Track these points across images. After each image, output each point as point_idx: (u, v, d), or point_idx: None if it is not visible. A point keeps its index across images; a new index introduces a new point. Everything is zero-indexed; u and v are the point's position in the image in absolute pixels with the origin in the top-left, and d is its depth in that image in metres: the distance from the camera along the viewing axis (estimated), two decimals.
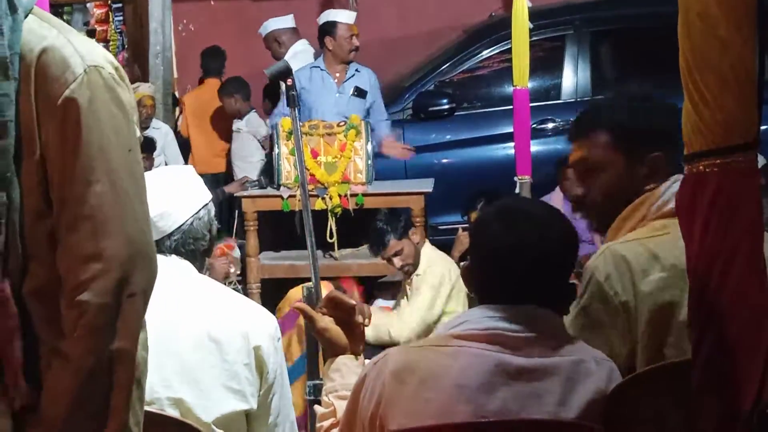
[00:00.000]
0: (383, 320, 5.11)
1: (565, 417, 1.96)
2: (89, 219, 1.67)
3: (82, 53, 1.70)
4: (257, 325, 2.59)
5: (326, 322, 2.32)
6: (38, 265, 1.71)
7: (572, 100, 7.47)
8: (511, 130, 6.05)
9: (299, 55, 7.00)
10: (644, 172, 2.45)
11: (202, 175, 2.85)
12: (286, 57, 7.03)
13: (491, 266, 2.08)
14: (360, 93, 6.61)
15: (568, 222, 2.13)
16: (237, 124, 7.94)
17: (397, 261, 5.26)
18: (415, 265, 5.24)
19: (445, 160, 7.41)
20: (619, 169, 2.48)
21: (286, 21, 7.34)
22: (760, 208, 1.86)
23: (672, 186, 2.39)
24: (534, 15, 5.73)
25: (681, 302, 2.20)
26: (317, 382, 2.58)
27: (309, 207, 2.82)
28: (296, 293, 3.76)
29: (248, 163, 7.75)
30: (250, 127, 7.83)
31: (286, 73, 2.81)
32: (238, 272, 5.61)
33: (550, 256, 2.05)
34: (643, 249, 2.31)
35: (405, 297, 5.36)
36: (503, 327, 2.01)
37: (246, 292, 5.86)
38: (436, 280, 5.14)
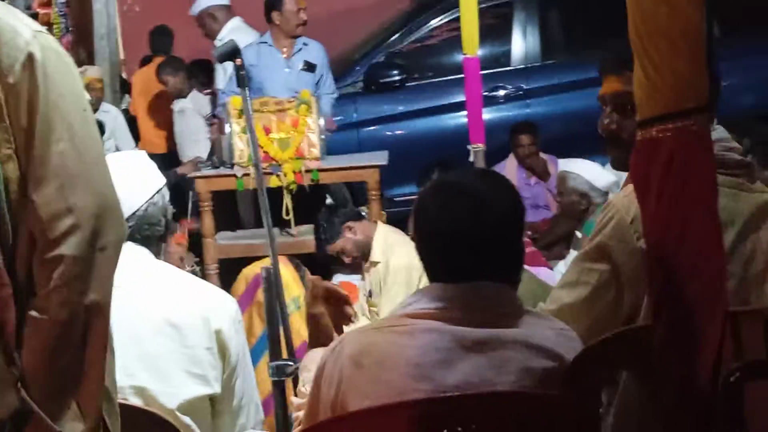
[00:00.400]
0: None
1: (526, 387, 1.95)
2: (55, 177, 1.72)
3: (27, 21, 1.77)
4: (217, 309, 2.57)
5: (323, 309, 2.33)
6: (24, 236, 1.74)
7: (522, 66, 7.48)
8: (463, 98, 6.05)
9: (235, 31, 6.89)
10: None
11: (150, 156, 2.82)
12: (222, 34, 6.96)
13: (432, 246, 2.06)
14: (309, 67, 6.56)
15: (510, 193, 2.08)
16: (181, 104, 7.82)
17: (346, 259, 5.29)
18: (365, 253, 5.21)
19: (398, 132, 7.41)
20: None
21: None
22: (714, 170, 1.87)
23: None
24: None
25: None
26: (280, 362, 2.56)
27: (264, 186, 2.79)
28: (250, 271, 3.75)
29: (195, 141, 7.67)
30: (195, 105, 7.74)
31: (235, 52, 2.77)
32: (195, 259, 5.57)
33: (489, 230, 2.00)
34: None
35: (368, 285, 5.34)
36: (455, 304, 1.99)
37: (203, 274, 5.82)
38: (400, 277, 5.08)
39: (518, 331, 1.99)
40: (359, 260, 5.24)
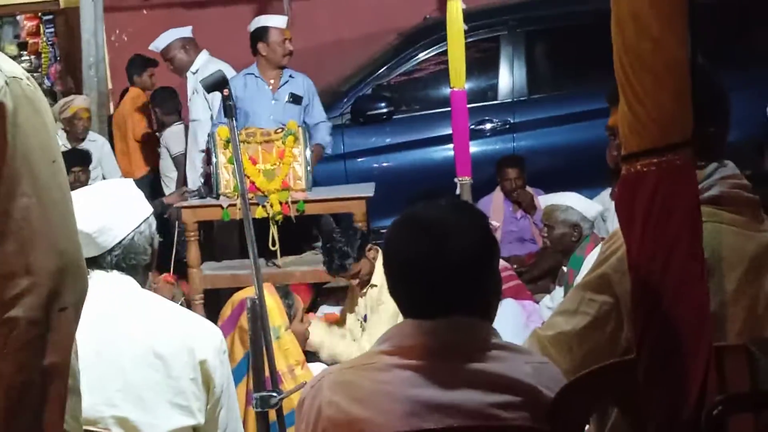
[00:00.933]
0: (337, 347, 5.04)
1: (507, 421, 1.94)
2: (16, 233, 1.64)
3: (1, 66, 1.68)
4: (202, 339, 2.57)
5: None
6: None
7: (509, 100, 7.51)
8: (450, 131, 6.08)
9: (211, 63, 6.82)
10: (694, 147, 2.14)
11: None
12: (197, 66, 6.91)
13: (400, 282, 2.04)
14: (295, 99, 6.59)
15: (477, 226, 2.04)
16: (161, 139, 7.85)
17: (354, 281, 5.26)
18: (369, 277, 5.22)
19: (385, 164, 7.42)
20: None
21: (187, 31, 7.19)
22: (698, 205, 1.87)
23: (716, 171, 2.26)
24: (468, 16, 5.76)
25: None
26: (264, 393, 2.56)
27: (250, 217, 2.79)
28: (238, 296, 3.75)
29: (169, 178, 7.66)
30: (165, 143, 7.69)
31: (223, 83, 2.78)
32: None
33: (453, 265, 1.97)
34: None
35: (354, 307, 5.33)
36: (428, 340, 1.98)
37: (189, 304, 5.81)
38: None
39: (494, 365, 1.98)
40: (362, 283, 5.24)
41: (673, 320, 1.83)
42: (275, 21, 6.66)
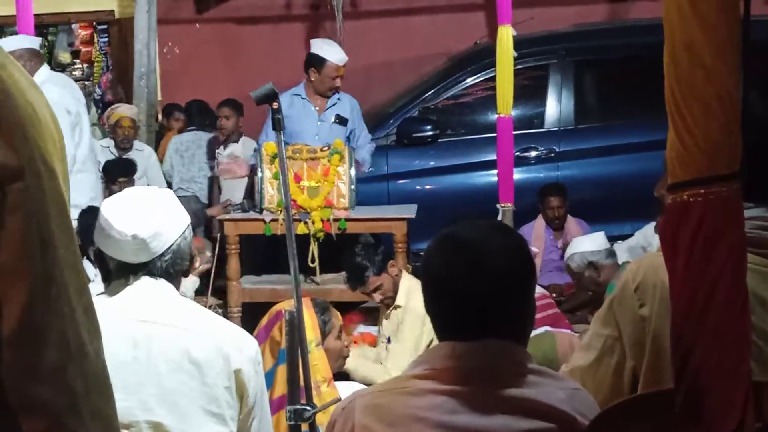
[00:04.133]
0: (370, 371, 5.03)
1: None
2: None
3: None
4: (238, 348, 2.58)
5: None
6: None
7: (555, 128, 7.50)
8: (494, 157, 6.08)
9: (50, 81, 6.25)
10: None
11: None
12: (37, 81, 6.45)
13: (435, 298, 2.02)
14: (341, 121, 6.62)
15: (514, 249, 2.01)
16: (231, 148, 7.87)
17: (377, 296, 5.24)
18: (394, 296, 5.22)
19: (428, 186, 7.42)
20: None
21: (36, 42, 6.49)
22: (743, 237, 1.86)
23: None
24: (518, 43, 5.77)
25: None
26: (298, 407, 2.56)
27: (293, 231, 2.81)
28: (277, 308, 3.77)
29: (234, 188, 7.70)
30: (245, 149, 7.76)
31: (272, 96, 2.80)
32: (201, 264, 5.57)
33: (489, 288, 1.95)
34: None
35: (381, 328, 5.33)
36: (462, 363, 1.96)
37: (226, 316, 5.84)
38: (418, 320, 5.07)
39: (528, 391, 1.96)
40: (388, 302, 5.24)
41: (713, 353, 1.81)
42: (334, 56, 6.61)
